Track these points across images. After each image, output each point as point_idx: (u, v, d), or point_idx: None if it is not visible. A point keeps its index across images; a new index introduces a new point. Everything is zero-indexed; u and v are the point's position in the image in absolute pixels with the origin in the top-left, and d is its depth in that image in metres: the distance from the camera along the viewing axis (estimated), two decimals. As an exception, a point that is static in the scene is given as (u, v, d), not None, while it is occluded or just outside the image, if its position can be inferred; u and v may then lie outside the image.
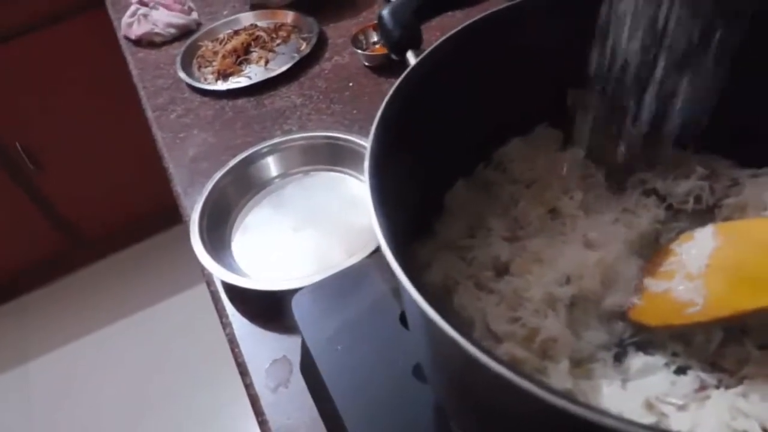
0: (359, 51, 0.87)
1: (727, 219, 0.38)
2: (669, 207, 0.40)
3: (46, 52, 1.45)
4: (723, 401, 0.29)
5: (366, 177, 0.28)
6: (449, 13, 0.40)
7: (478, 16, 0.35)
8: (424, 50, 0.35)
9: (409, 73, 0.32)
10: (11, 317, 1.80)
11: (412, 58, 0.35)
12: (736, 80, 0.38)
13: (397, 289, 0.49)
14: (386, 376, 0.45)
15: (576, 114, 0.41)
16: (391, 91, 0.31)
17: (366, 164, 0.28)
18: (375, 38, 0.90)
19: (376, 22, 0.90)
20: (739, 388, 0.30)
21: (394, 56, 0.37)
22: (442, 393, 0.36)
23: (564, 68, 0.39)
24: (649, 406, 0.30)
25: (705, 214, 0.39)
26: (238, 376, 0.58)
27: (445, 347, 0.26)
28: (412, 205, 0.37)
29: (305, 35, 0.95)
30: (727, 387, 0.30)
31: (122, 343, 1.68)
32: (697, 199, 0.39)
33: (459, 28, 0.34)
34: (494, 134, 0.42)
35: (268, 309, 0.61)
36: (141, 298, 1.75)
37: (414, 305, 0.26)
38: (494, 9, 0.35)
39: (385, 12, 0.37)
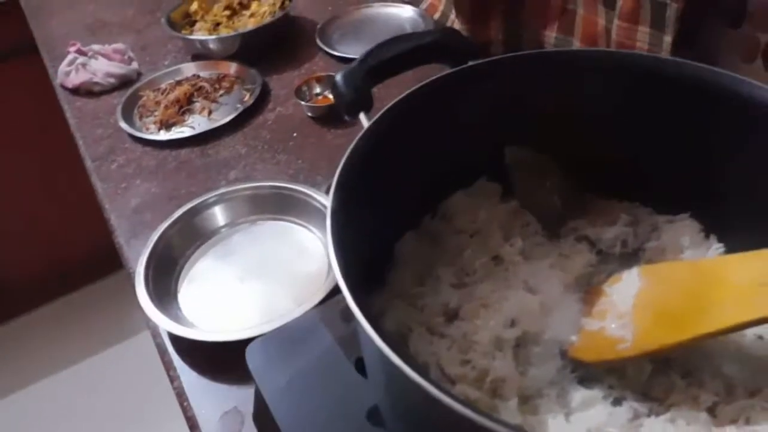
0: (302, 102, 0.90)
1: (649, 261, 0.42)
2: (599, 252, 0.44)
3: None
4: (655, 428, 0.32)
5: (328, 232, 0.30)
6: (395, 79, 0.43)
7: (425, 81, 0.38)
8: (376, 112, 0.38)
9: (364, 133, 0.35)
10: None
11: (364, 120, 0.38)
12: (649, 141, 0.43)
13: (346, 338, 0.50)
14: (342, 422, 0.46)
15: (513, 168, 0.45)
16: (348, 152, 0.34)
17: (328, 221, 0.30)
18: (318, 90, 0.93)
19: (318, 74, 0.94)
20: (668, 415, 0.33)
21: (347, 118, 0.39)
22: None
23: (502, 127, 0.43)
24: (592, 436, 0.32)
25: (631, 257, 0.43)
26: (186, 427, 0.58)
27: (405, 389, 0.27)
28: (365, 258, 0.39)
29: (248, 86, 0.97)
30: (657, 415, 0.34)
31: (58, 398, 1.58)
32: (623, 244, 0.43)
33: (407, 92, 0.38)
34: (440, 187, 0.45)
35: (216, 360, 0.60)
36: (79, 349, 1.66)
37: (375, 350, 0.27)
38: (440, 75, 0.38)
39: (339, 76, 0.39)
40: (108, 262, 1.27)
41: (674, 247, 0.42)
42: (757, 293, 0.31)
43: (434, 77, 0.39)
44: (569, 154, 0.44)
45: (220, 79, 0.99)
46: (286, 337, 0.52)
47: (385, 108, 0.37)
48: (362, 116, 0.38)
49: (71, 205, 1.55)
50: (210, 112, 0.93)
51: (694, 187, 0.43)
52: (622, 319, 0.36)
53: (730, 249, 0.41)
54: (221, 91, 0.97)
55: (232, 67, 1.01)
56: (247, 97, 0.95)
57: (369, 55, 0.40)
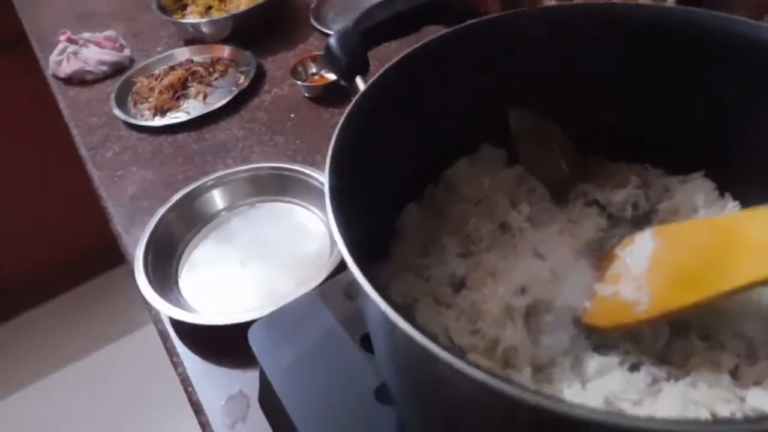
0: (299, 82, 0.88)
1: (662, 222, 0.40)
2: (610, 215, 0.42)
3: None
4: (674, 393, 0.31)
5: (327, 204, 0.28)
6: (391, 44, 0.41)
7: (422, 42, 0.36)
8: (372, 77, 0.36)
9: (359, 98, 0.33)
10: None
11: (361, 84, 0.36)
12: (657, 98, 0.42)
13: (350, 317, 0.49)
14: (348, 401, 0.45)
15: (517, 133, 0.43)
16: (342, 119, 0.32)
17: (326, 193, 0.29)
18: (314, 69, 0.91)
19: (314, 53, 0.92)
20: (688, 379, 0.32)
21: (343, 82, 0.38)
22: (409, 410, 0.36)
23: (504, 90, 0.42)
24: (609, 403, 0.31)
25: (642, 220, 0.41)
26: (194, 416, 0.56)
27: (414, 359, 0.26)
28: (367, 231, 0.37)
29: (243, 69, 0.95)
30: (677, 379, 0.32)
31: (64, 393, 1.58)
32: (635, 206, 0.42)
33: (404, 54, 0.36)
34: (441, 155, 0.43)
35: (220, 345, 0.59)
36: (84, 344, 1.65)
37: (382, 320, 0.26)
38: (438, 34, 0.37)
39: (332, 39, 0.38)
40: (110, 256, 1.26)
41: (688, 207, 0.40)
42: None
43: (431, 38, 0.37)
44: (575, 116, 0.42)
45: (214, 62, 0.97)
46: (288, 318, 0.50)
47: (381, 71, 0.35)
48: (359, 80, 0.37)
49: (71, 199, 1.54)
50: (205, 96, 0.91)
51: (707, 144, 0.41)
52: (636, 281, 0.34)
53: (746, 206, 0.39)
54: (216, 75, 0.95)
55: (225, 50, 0.99)
56: (242, 80, 0.93)
57: (364, 16, 0.38)
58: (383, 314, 0.25)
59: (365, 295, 0.26)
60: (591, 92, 0.42)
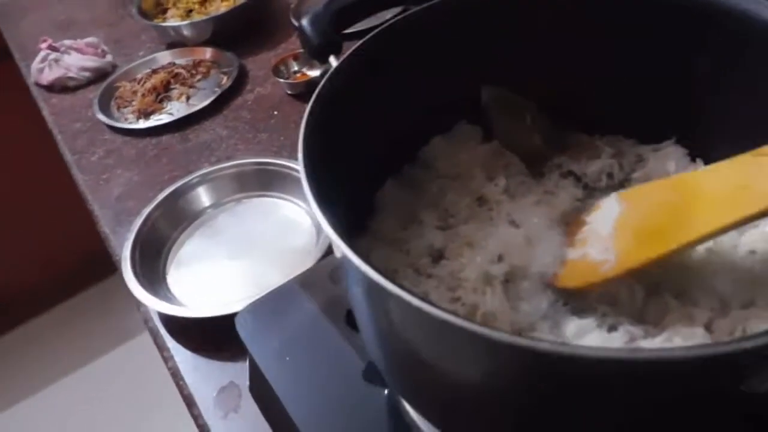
0: (281, 80, 0.88)
1: (635, 190, 0.41)
2: (585, 186, 0.43)
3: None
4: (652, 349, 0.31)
5: (304, 182, 0.29)
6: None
7: (395, 18, 0.37)
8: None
9: (330, 76, 0.34)
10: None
11: (334, 62, 0.37)
12: (627, 69, 0.42)
13: (334, 300, 0.49)
14: (338, 383, 0.45)
15: (490, 109, 0.44)
16: (314, 97, 0.33)
17: (302, 172, 0.29)
18: (296, 67, 0.92)
19: (295, 52, 0.92)
20: (664, 335, 0.32)
21: (317, 62, 0.38)
22: (396, 382, 0.36)
23: (476, 66, 0.42)
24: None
25: (617, 188, 0.42)
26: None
27: (400, 321, 0.27)
28: (345, 207, 0.38)
29: (225, 69, 0.96)
30: (653, 336, 0.33)
31: (61, 404, 1.57)
32: (609, 176, 0.42)
33: (375, 32, 0.36)
34: (416, 134, 0.44)
35: (209, 338, 0.60)
36: (79, 356, 1.65)
37: (368, 286, 0.26)
38: (411, 11, 0.37)
39: (305, 21, 0.38)
40: (103, 265, 1.25)
41: (660, 174, 0.41)
42: (736, 196, 0.30)
43: (403, 14, 0.38)
44: (547, 90, 0.43)
45: (197, 64, 0.98)
46: (274, 304, 0.51)
47: (352, 48, 0.35)
48: (332, 60, 0.37)
49: (61, 209, 1.53)
50: (188, 98, 0.92)
51: (677, 113, 0.42)
52: (603, 243, 0.35)
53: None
54: (198, 77, 0.95)
55: (207, 53, 1.00)
56: (224, 80, 0.93)
57: (334, -3, 0.38)
58: (365, 276, 0.25)
59: (347, 261, 0.26)
60: (562, 65, 0.43)
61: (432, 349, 0.26)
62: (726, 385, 0.21)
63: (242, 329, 0.49)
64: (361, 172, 0.40)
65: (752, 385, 0.20)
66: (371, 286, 0.25)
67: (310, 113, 0.31)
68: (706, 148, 0.41)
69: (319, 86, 0.33)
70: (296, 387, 0.46)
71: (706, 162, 0.41)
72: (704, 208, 0.31)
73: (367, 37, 0.36)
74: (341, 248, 0.27)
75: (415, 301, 0.22)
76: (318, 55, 0.38)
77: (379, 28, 0.36)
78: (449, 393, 0.30)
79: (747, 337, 0.20)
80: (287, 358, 0.46)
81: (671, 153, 0.42)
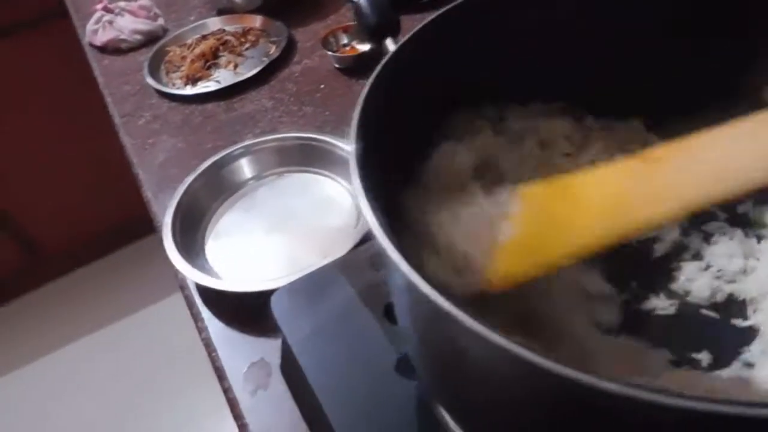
0: (330, 53, 0.87)
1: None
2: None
3: (4, 63, 1.41)
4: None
5: (353, 169, 0.27)
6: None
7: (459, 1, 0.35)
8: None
9: (389, 59, 0.32)
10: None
11: (391, 46, 0.35)
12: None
13: (372, 287, 0.48)
14: (369, 372, 0.44)
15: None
16: (370, 79, 0.31)
17: (351, 157, 0.28)
18: (345, 40, 0.90)
19: (345, 24, 0.90)
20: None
21: (371, 44, 0.36)
22: (433, 383, 0.35)
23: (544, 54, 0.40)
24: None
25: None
26: (218, 383, 0.57)
27: (441, 327, 0.25)
28: (393, 194, 0.36)
29: (274, 39, 0.95)
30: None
31: (93, 359, 1.63)
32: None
33: (441, 11, 0.34)
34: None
35: (243, 312, 0.60)
36: (113, 311, 1.70)
37: (407, 286, 0.25)
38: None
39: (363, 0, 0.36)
40: (142, 225, 1.28)
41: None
42: (613, 206, 0.28)
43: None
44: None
45: (246, 32, 0.97)
46: (311, 287, 0.50)
47: (415, 29, 0.33)
48: (389, 42, 0.35)
49: (105, 168, 1.57)
50: (236, 66, 0.91)
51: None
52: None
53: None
54: (247, 45, 0.94)
55: (257, 20, 0.98)
56: (272, 50, 0.92)
57: (396, -23, 0.36)
58: (408, 282, 0.24)
59: (389, 260, 0.25)
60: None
61: (484, 370, 0.25)
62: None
63: (277, 309, 0.48)
64: (412, 158, 0.38)
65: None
66: (417, 295, 0.24)
67: (366, 98, 0.29)
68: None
69: (377, 69, 0.31)
70: (327, 371, 0.45)
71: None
72: (582, 218, 0.29)
73: (431, 17, 0.34)
74: (385, 247, 0.25)
75: (476, 326, 0.21)
76: (374, 35, 0.36)
77: (444, 10, 0.34)
78: (492, 409, 0.28)
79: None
80: (319, 343, 0.46)
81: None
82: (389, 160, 0.33)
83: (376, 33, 0.36)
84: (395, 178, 0.35)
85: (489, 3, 0.36)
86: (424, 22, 0.34)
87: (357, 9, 0.37)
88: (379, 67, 0.31)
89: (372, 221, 0.26)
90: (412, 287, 0.23)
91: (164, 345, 1.57)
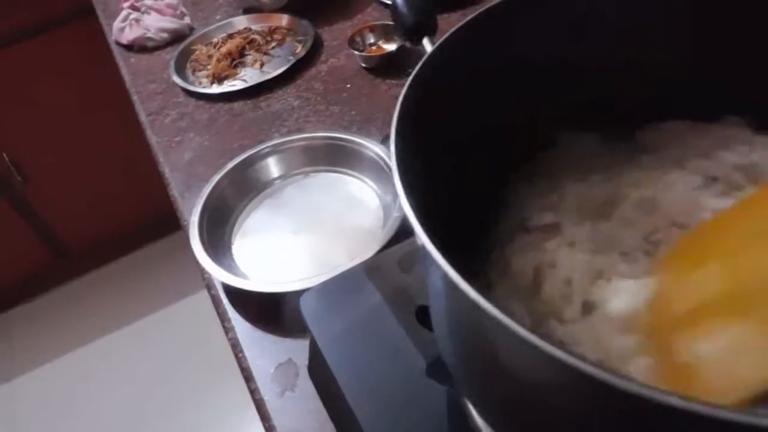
0: (356, 52, 0.86)
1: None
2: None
3: (33, 62, 1.43)
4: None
5: (393, 162, 0.26)
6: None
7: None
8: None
9: (428, 59, 0.31)
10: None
11: (428, 46, 0.34)
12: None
13: (402, 289, 0.47)
14: (398, 374, 0.44)
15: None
16: (410, 79, 0.30)
17: (392, 148, 0.27)
18: (372, 39, 0.89)
19: (372, 23, 0.90)
20: None
21: (408, 44, 0.36)
22: (469, 389, 0.34)
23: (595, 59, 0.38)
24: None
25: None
26: (243, 383, 0.57)
27: (480, 329, 0.24)
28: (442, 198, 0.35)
29: (300, 38, 0.94)
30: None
31: (117, 355, 1.65)
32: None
33: (485, 7, 0.33)
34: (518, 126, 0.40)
35: (270, 312, 0.59)
36: (137, 308, 1.72)
37: (446, 285, 0.24)
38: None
39: (400, -1, 0.36)
40: (168, 223, 1.29)
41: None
42: None
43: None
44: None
45: (272, 31, 0.96)
46: (341, 288, 0.50)
47: (455, 28, 0.32)
48: (426, 42, 0.34)
49: (132, 166, 1.58)
50: (262, 65, 0.91)
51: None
52: None
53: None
54: (273, 44, 0.94)
55: (283, 19, 0.98)
56: (299, 49, 0.92)
57: (433, -27, 0.35)
58: (448, 280, 0.23)
59: (429, 258, 0.24)
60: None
61: (524, 375, 0.24)
62: None
63: (306, 310, 0.48)
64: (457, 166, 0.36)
65: None
66: (457, 294, 0.23)
67: (405, 98, 0.28)
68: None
69: (416, 69, 0.30)
70: (355, 373, 0.44)
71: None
72: None
73: (474, 15, 0.32)
74: (425, 244, 0.24)
75: (524, 333, 0.20)
76: (410, 35, 0.35)
77: (486, 7, 0.33)
78: (530, 414, 0.28)
79: None
80: (348, 344, 0.45)
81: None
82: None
83: (413, 32, 0.35)
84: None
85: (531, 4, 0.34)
86: (466, 19, 0.33)
87: (394, 8, 0.36)
88: (418, 67, 0.30)
89: (410, 214, 0.25)
90: (450, 284, 0.22)
91: (189, 342, 1.58)
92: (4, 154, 1.51)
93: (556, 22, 0.35)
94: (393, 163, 0.26)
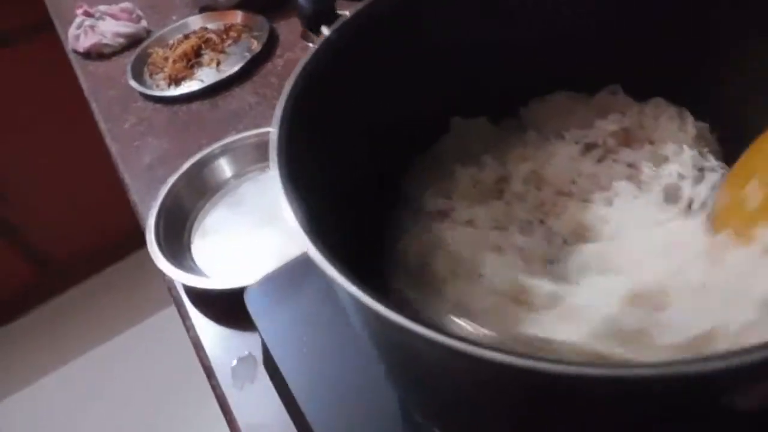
0: (310, 44, 0.86)
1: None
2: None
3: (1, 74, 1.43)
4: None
5: (274, 166, 0.27)
6: None
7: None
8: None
9: (320, 47, 0.31)
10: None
11: (326, 33, 0.34)
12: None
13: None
14: (348, 366, 0.44)
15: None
16: (298, 69, 0.30)
17: (272, 152, 0.27)
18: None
19: (325, 14, 0.90)
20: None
21: (310, 31, 0.36)
22: (398, 384, 0.35)
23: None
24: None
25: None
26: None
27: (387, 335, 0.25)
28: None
29: (256, 34, 0.94)
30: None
31: (98, 370, 1.64)
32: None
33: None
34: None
35: (231, 309, 0.60)
36: (115, 322, 1.71)
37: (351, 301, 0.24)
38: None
39: (298, -13, 0.36)
40: (138, 237, 1.28)
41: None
42: None
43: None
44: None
45: (228, 29, 0.96)
46: (286, 280, 0.50)
47: (350, 15, 0.33)
48: (325, 30, 0.35)
49: (102, 176, 1.58)
50: (218, 63, 0.91)
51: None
52: None
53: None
54: (229, 42, 0.94)
55: (238, 16, 0.98)
56: (254, 45, 0.92)
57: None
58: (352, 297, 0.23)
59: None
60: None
61: (422, 367, 0.25)
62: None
63: (251, 304, 0.48)
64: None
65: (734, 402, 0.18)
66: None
67: (291, 93, 0.29)
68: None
69: (305, 59, 0.30)
70: (301, 366, 0.45)
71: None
72: None
73: (364, 5, 0.33)
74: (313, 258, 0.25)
75: (389, 314, 0.21)
76: (310, 24, 0.35)
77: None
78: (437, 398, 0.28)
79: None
80: (295, 336, 0.45)
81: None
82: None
83: (312, 21, 0.35)
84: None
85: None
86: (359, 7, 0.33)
87: (296, -2, 0.36)
88: (306, 58, 0.30)
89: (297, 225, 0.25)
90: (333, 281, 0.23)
91: (172, 353, 1.58)
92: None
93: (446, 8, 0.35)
94: (273, 156, 0.26)
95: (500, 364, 0.19)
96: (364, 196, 0.34)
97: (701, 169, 0.35)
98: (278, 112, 0.27)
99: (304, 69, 0.29)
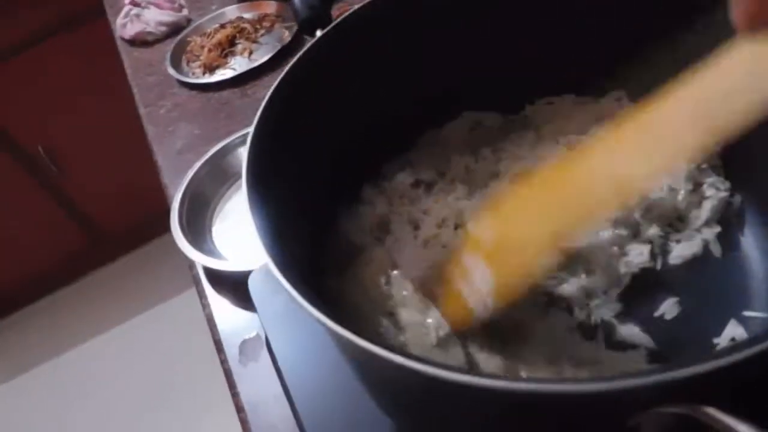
0: (338, 36, 0.88)
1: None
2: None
3: (60, 58, 1.51)
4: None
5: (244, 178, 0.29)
6: None
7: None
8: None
9: (309, 49, 0.33)
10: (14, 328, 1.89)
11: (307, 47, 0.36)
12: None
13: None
14: (338, 357, 0.46)
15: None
16: (287, 69, 0.32)
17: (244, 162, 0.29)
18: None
19: (355, 5, 0.91)
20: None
21: (305, 35, 0.38)
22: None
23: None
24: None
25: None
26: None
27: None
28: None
29: (288, 24, 0.97)
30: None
31: (139, 339, 1.74)
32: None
33: (360, 6, 0.35)
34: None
35: (245, 291, 0.63)
36: (160, 292, 1.80)
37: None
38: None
39: (293, -8, 0.38)
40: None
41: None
42: None
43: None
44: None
45: (261, 19, 0.99)
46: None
47: (339, 19, 0.34)
48: (319, 33, 0.37)
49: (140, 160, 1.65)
50: (250, 53, 0.94)
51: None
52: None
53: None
54: (262, 31, 0.97)
55: (272, 6, 1.01)
56: (285, 35, 0.94)
57: (327, -30, 0.37)
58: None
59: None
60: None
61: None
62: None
63: (253, 289, 0.51)
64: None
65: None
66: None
67: (277, 90, 0.31)
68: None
69: (293, 61, 0.32)
70: (293, 352, 0.47)
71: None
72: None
73: (354, 9, 0.34)
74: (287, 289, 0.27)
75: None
76: (305, 28, 0.37)
77: (362, 4, 0.35)
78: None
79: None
80: (290, 323, 0.48)
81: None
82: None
83: (306, 26, 0.37)
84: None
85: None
86: (347, 13, 0.34)
87: (291, 4, 0.38)
88: (293, 61, 0.32)
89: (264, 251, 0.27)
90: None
91: (184, 337, 1.65)
92: (40, 147, 1.60)
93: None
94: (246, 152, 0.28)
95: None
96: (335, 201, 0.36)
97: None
98: (252, 131, 0.29)
99: (292, 70, 0.31)
